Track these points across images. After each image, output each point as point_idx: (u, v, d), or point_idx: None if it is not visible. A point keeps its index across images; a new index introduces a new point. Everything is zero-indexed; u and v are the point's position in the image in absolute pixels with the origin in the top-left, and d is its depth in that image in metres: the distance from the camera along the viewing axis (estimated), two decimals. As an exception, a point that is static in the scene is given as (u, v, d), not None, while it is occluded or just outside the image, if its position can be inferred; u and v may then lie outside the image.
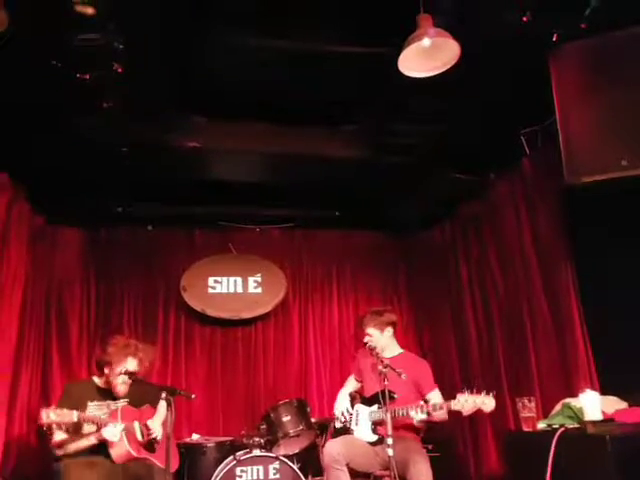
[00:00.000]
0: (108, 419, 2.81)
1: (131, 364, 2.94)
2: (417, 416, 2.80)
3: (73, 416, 2.62)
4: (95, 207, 4.28)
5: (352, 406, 3.21)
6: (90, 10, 2.19)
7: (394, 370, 2.76)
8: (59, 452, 2.78)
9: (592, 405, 2.51)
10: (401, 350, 3.29)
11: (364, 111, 3.24)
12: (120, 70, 2.57)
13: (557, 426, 2.57)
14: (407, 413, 2.83)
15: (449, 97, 2.98)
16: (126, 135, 3.22)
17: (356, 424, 3.10)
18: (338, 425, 3.23)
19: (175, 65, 2.79)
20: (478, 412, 2.71)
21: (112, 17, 2.31)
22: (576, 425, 2.54)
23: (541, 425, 2.72)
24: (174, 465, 3.11)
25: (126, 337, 3.21)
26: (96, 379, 3.05)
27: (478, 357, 4.17)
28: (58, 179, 3.68)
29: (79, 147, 3.29)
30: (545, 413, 2.94)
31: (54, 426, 2.64)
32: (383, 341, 3.19)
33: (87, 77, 2.58)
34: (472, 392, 2.70)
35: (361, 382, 3.35)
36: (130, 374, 2.86)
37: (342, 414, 3.20)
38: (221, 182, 3.98)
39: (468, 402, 2.67)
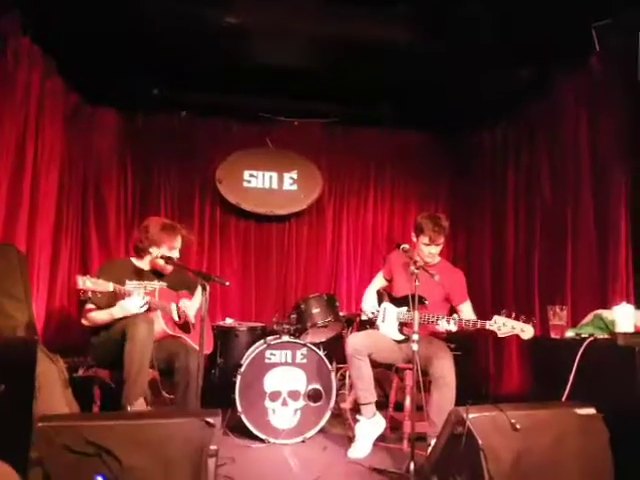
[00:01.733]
0: (134, 293, 2.83)
1: (179, 241, 3.01)
2: (447, 326, 2.79)
3: (109, 286, 2.69)
4: (131, 87, 4.13)
5: (379, 303, 3.25)
6: None
7: (427, 272, 2.72)
8: (86, 323, 2.84)
9: (625, 317, 2.46)
10: (438, 258, 3.21)
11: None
12: None
13: (586, 335, 2.55)
14: (436, 321, 2.83)
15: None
16: (160, 6, 3.01)
17: (382, 321, 3.16)
18: (364, 317, 3.29)
19: None
20: (513, 336, 2.66)
21: None
22: (606, 336, 2.52)
23: (569, 333, 2.71)
24: (208, 347, 3.27)
25: (161, 217, 3.20)
26: (134, 260, 3.09)
27: (512, 266, 4.12)
28: (93, 54, 3.52)
29: (114, 18, 3.11)
30: (575, 323, 2.91)
31: (89, 294, 2.67)
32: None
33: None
34: (510, 315, 2.64)
35: (390, 281, 3.35)
36: (167, 259, 2.90)
37: (368, 311, 3.25)
38: (260, 67, 3.75)
39: (506, 326, 2.63)
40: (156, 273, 3.09)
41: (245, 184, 4.75)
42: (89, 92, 4.10)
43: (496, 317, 2.67)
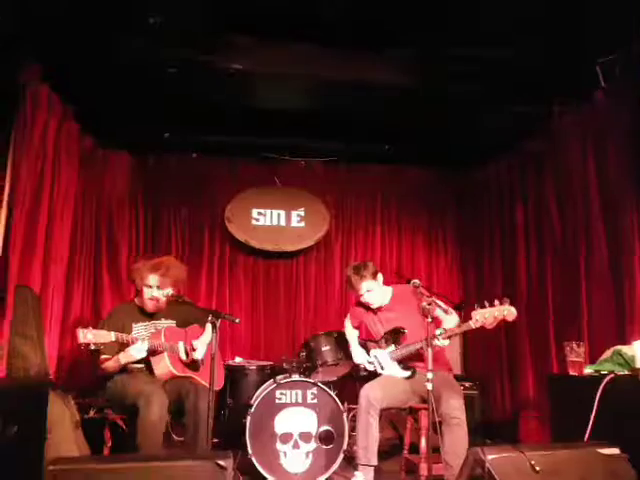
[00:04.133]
0: (137, 339, 2.84)
1: (153, 280, 2.97)
2: (439, 343, 2.72)
3: (110, 336, 2.68)
4: (143, 132, 4.27)
5: (367, 353, 3.23)
6: None
7: (439, 306, 2.70)
8: (101, 373, 2.86)
9: (646, 353, 2.41)
10: (390, 288, 3.23)
11: (418, 34, 2.99)
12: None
13: (605, 372, 2.50)
14: (428, 345, 2.76)
15: (514, 17, 2.70)
16: (169, 55, 3.15)
17: (382, 368, 3.10)
18: (364, 373, 3.22)
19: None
20: (501, 323, 2.60)
21: None
22: (626, 372, 2.46)
23: (588, 370, 2.65)
24: (219, 384, 3.23)
25: (150, 255, 3.22)
26: (137, 300, 3.10)
27: (525, 302, 4.07)
28: (106, 101, 3.67)
29: (126, 68, 3.25)
30: (593, 360, 2.85)
31: (98, 346, 2.66)
32: (380, 290, 3.14)
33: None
34: (484, 306, 2.58)
35: (358, 328, 3.37)
36: (177, 297, 2.90)
37: (365, 366, 3.21)
38: (266, 110, 3.86)
39: (488, 317, 2.57)
40: (158, 312, 3.08)
41: (253, 222, 4.80)
42: (103, 136, 4.22)
43: (474, 313, 2.61)
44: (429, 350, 2.52)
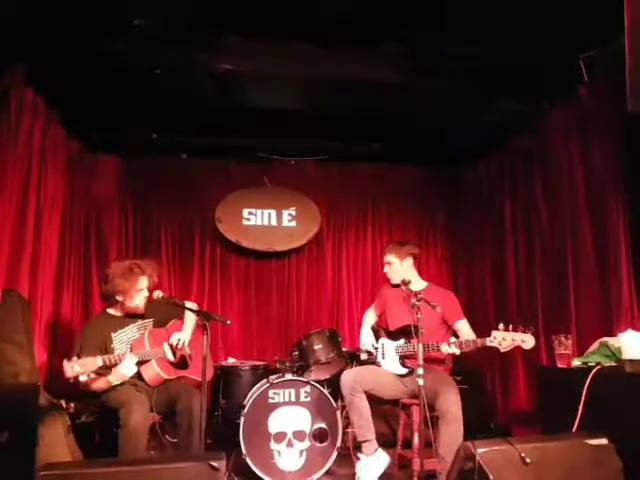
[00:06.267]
0: (124, 355, 2.75)
1: (143, 282, 2.93)
2: (450, 350, 2.77)
3: (97, 361, 2.60)
4: (130, 134, 4.24)
5: (376, 340, 3.24)
6: None
7: (428, 303, 2.69)
8: (90, 391, 2.76)
9: (632, 344, 2.46)
10: (425, 283, 3.27)
11: (409, 31, 3.00)
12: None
13: (593, 364, 2.54)
14: (438, 348, 2.81)
15: (501, 14, 2.72)
16: (157, 56, 3.14)
17: (382, 357, 3.14)
18: (364, 357, 3.27)
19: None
20: (516, 349, 2.63)
21: None
22: (613, 363, 2.50)
23: (576, 362, 2.69)
24: (209, 374, 3.18)
25: (120, 260, 3.13)
26: (110, 310, 3.03)
27: (515, 294, 4.11)
28: (92, 104, 3.64)
29: (112, 70, 3.23)
30: (581, 352, 2.89)
31: (88, 375, 2.58)
32: (402, 270, 3.19)
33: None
34: (508, 328, 2.62)
35: (380, 315, 3.39)
36: (167, 298, 2.88)
37: (368, 349, 3.23)
38: (255, 110, 3.85)
39: (506, 340, 2.60)
40: (133, 315, 3.01)
41: (244, 222, 4.79)
42: (90, 139, 4.20)
43: (494, 332, 2.64)
44: (419, 345, 2.55)
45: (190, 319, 3.10)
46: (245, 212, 4.81)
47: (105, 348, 2.82)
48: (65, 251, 3.92)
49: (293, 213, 4.88)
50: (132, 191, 4.68)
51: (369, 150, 4.66)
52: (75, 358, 2.56)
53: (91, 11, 2.70)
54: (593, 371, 2.41)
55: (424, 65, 3.31)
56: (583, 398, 2.38)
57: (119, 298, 2.92)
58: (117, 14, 2.77)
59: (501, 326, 2.64)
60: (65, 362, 2.52)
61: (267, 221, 4.85)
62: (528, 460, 2.00)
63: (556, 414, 2.61)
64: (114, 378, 2.72)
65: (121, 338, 2.92)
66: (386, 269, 3.28)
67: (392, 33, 3.01)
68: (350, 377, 2.99)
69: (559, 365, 2.74)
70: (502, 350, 2.63)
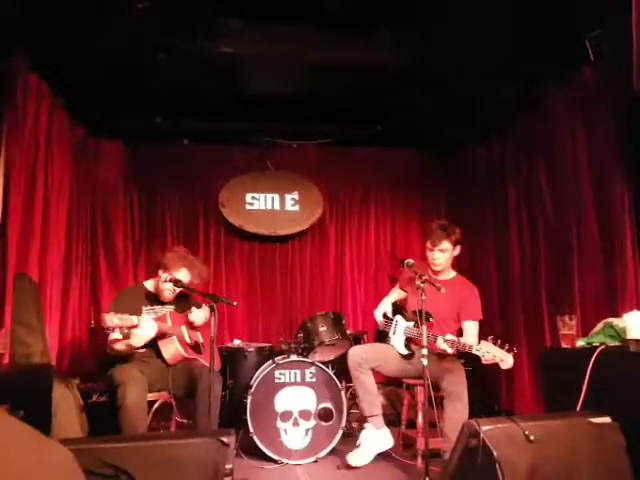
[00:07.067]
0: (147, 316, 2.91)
1: (183, 274, 3.03)
2: (442, 346, 2.76)
3: (134, 320, 2.73)
4: (134, 120, 4.25)
5: (393, 313, 3.22)
6: None
7: (433, 285, 2.68)
8: (111, 352, 2.89)
9: (636, 324, 2.45)
10: (454, 273, 3.21)
11: (410, 14, 2.98)
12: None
13: (597, 344, 2.55)
14: (435, 339, 2.79)
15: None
16: (160, 41, 3.12)
17: (393, 333, 3.15)
18: (381, 328, 3.27)
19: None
20: (494, 365, 2.62)
21: None
22: (617, 344, 2.51)
23: (580, 343, 2.71)
24: (217, 365, 3.28)
25: (187, 251, 3.26)
26: (147, 284, 3.19)
27: (519, 279, 4.11)
28: (95, 90, 3.64)
29: (116, 54, 3.22)
30: (585, 333, 2.91)
31: (123, 331, 2.72)
32: (450, 259, 3.11)
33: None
34: (495, 342, 2.62)
35: (406, 292, 3.33)
36: (176, 282, 2.94)
37: (381, 318, 3.22)
38: (257, 94, 3.85)
39: (489, 353, 2.60)
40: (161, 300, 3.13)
41: (248, 206, 4.82)
42: (94, 125, 4.21)
43: (482, 343, 2.65)
44: (424, 328, 2.58)
45: (206, 308, 3.22)
46: (248, 197, 4.83)
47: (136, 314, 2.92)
48: (72, 236, 3.96)
49: (296, 197, 4.89)
50: (136, 177, 4.70)
51: (370, 133, 4.64)
52: (112, 312, 2.69)
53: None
54: (597, 351, 2.41)
55: (428, 49, 3.26)
56: (587, 377, 2.40)
57: (160, 272, 3.04)
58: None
59: (490, 338, 2.64)
60: (104, 313, 2.66)
61: (270, 205, 4.87)
62: (532, 438, 2.02)
63: (560, 394, 2.63)
64: (136, 341, 2.81)
65: (149, 312, 3.03)
66: (436, 255, 3.05)
67: (392, 17, 2.99)
68: (357, 353, 3.04)
69: (563, 345, 2.76)
70: (483, 362, 2.63)
